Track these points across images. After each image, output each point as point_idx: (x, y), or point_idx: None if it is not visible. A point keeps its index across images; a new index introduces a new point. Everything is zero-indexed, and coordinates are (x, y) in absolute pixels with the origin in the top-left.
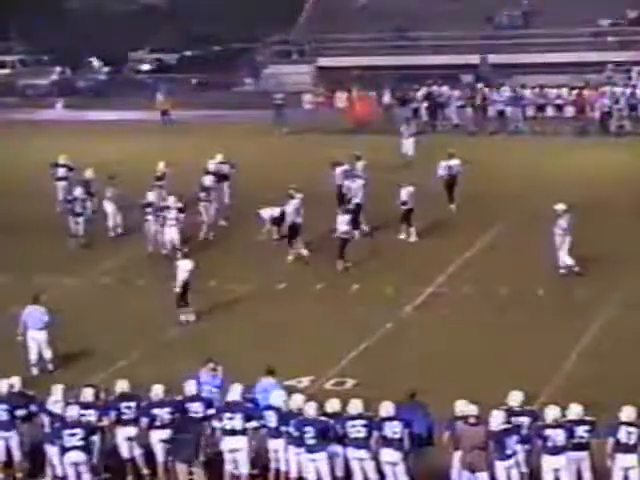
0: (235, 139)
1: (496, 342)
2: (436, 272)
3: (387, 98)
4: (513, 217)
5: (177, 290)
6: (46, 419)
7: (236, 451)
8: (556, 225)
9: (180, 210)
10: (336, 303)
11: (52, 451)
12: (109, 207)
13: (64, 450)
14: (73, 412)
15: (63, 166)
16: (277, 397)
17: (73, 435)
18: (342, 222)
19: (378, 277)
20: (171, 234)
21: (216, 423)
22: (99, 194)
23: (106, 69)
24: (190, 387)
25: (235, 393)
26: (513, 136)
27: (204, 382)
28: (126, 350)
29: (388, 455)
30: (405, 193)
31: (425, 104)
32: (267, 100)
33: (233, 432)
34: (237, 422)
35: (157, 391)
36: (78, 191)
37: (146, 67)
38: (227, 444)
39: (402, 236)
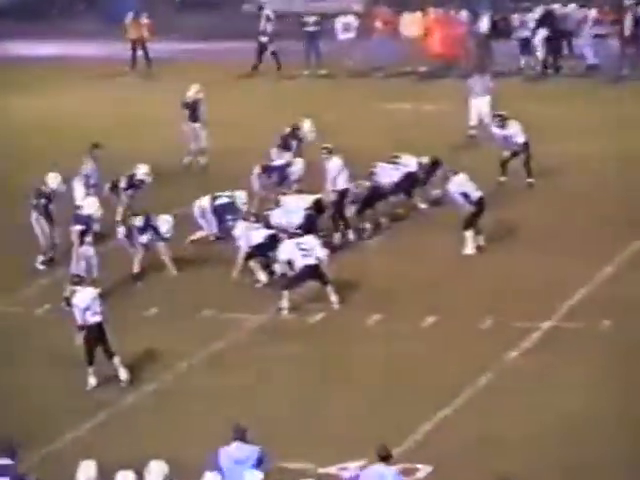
0: (240, 85)
1: None
2: (557, 300)
3: (485, 24)
4: None
5: (77, 342)
6: None
7: None
8: None
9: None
10: (397, 344)
11: None
12: (78, 190)
13: None
14: None
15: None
16: None
17: None
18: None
19: (467, 306)
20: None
21: None
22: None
23: None
24: None
25: None
26: None
27: (235, 460)
28: (72, 418)
29: None
30: (455, 184)
31: (542, 32)
32: (292, 26)
33: None
34: None
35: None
36: (55, 180)
37: None
38: None
39: (469, 251)
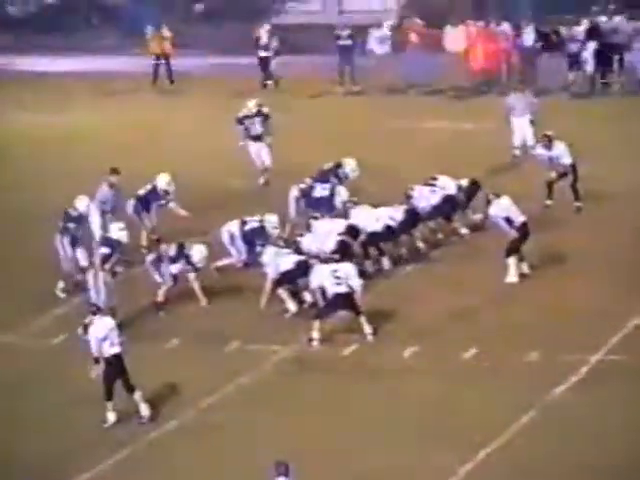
0: (268, 103)
1: None
2: (607, 331)
3: (530, 37)
4: None
5: (93, 375)
6: None
7: None
8: None
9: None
10: (435, 379)
11: None
12: (95, 217)
13: None
14: None
15: (259, 115)
16: None
17: None
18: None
19: (511, 338)
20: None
21: None
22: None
23: None
24: None
25: None
26: None
27: None
28: (91, 456)
29: None
30: (497, 208)
31: (592, 46)
32: (322, 39)
33: None
34: None
35: None
36: (84, 203)
37: None
38: None
39: (512, 279)
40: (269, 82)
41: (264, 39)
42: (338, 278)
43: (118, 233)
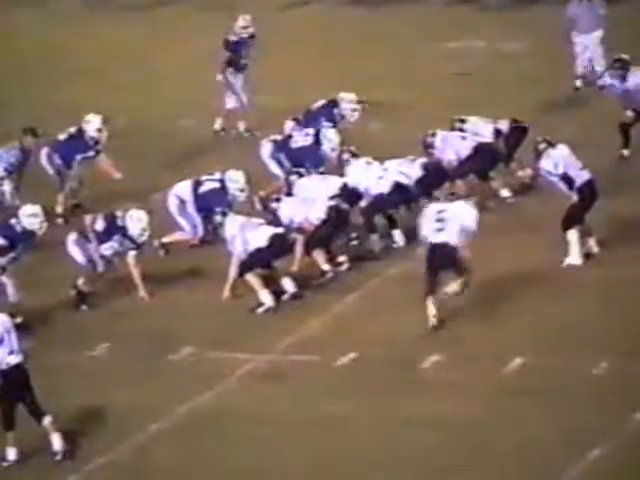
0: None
1: None
2: None
3: None
4: None
5: None
6: None
7: None
8: None
9: None
10: (465, 400)
11: None
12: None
13: None
14: None
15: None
16: None
17: None
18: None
19: (572, 342)
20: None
21: None
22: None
23: None
24: None
25: None
26: None
27: None
28: None
29: None
30: (551, 161)
31: None
32: None
33: None
34: None
35: None
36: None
37: None
38: None
39: (574, 260)
40: None
41: None
42: (441, 221)
43: (29, 220)
